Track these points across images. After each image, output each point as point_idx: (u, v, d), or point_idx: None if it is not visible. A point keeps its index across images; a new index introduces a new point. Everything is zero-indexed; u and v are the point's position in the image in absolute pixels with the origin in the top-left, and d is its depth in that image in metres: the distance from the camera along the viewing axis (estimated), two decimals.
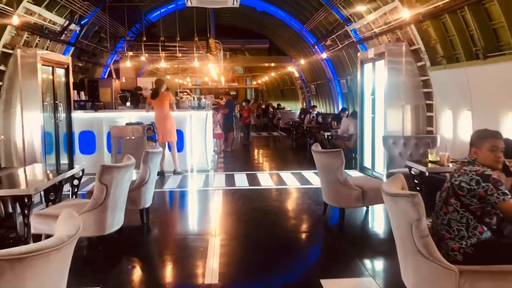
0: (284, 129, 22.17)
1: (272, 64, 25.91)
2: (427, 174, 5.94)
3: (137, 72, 21.69)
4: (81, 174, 6.49)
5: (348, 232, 5.87)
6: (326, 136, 12.15)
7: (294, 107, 28.04)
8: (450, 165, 5.93)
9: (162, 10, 15.37)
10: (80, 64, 12.28)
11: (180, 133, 10.80)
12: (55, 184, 5.64)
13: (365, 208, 6.59)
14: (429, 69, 8.08)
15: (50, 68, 9.05)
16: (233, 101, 15.22)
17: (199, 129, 10.77)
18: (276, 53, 24.48)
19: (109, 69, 15.41)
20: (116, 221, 5.09)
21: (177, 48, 10.48)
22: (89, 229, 4.81)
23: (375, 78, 9.50)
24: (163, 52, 10.74)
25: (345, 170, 6.35)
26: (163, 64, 11.47)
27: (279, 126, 23.14)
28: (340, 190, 5.95)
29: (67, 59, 9.87)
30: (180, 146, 10.78)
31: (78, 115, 10.54)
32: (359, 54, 10.43)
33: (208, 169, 10.68)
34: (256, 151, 15.19)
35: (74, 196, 6.42)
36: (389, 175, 7.43)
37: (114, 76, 14.70)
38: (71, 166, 10.22)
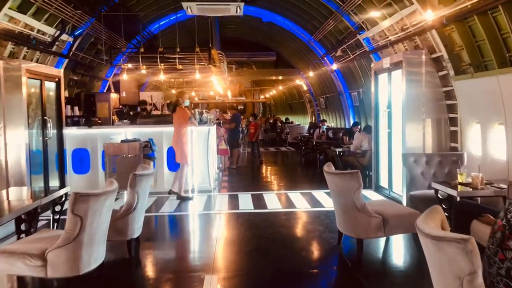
0: (293, 144, 21.45)
1: (280, 77, 25.27)
2: (458, 198, 5.15)
3: (140, 86, 21.15)
4: (63, 199, 5.80)
5: (367, 268, 5.05)
6: (337, 153, 11.37)
7: (302, 121, 27.34)
8: (485, 188, 5.14)
9: (162, 22, 14.82)
10: (76, 78, 11.66)
11: None
12: (30, 211, 4.93)
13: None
14: (453, 79, 7.31)
15: (39, 82, 8.39)
16: (239, 115, 14.51)
17: (201, 145, 10.06)
18: (284, 66, 23.84)
19: (108, 83, 14.80)
20: (94, 257, 4.33)
21: (177, 60, 9.82)
22: (61, 269, 4.05)
23: (391, 90, 8.74)
24: (162, 64, 10.09)
25: None
26: (162, 77, 10.80)
27: (287, 141, 22.42)
28: (357, 217, 5.16)
29: (58, 72, 9.22)
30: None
31: (71, 132, 9.89)
32: (372, 64, 9.69)
33: (211, 189, 9.94)
34: (263, 167, 14.41)
35: (55, 225, 5.71)
36: (411, 198, 6.63)
37: (113, 90, 14.07)
38: (62, 187, 9.61)
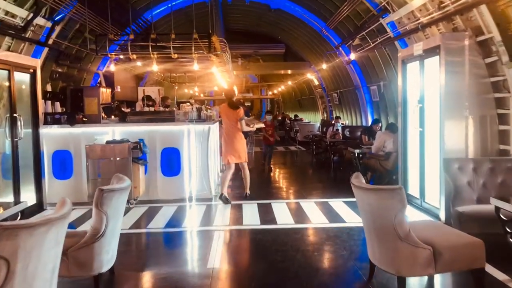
0: (303, 142, 20.18)
1: (289, 71, 23.93)
2: None
3: (139, 81, 19.96)
4: (19, 216, 4.63)
5: None
6: (356, 154, 10.06)
7: (313, 119, 26.06)
8: None
9: (160, 10, 13.63)
10: (60, 70, 10.46)
11: (175, 152, 8.89)
12: None
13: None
14: (507, 66, 6.00)
15: (6, 72, 7.19)
16: (247, 112, 13.21)
17: (200, 146, 8.83)
18: (293, 59, 22.51)
19: (100, 76, 13.62)
20: None
21: (172, 48, 8.57)
22: None
23: (424, 81, 7.43)
24: (154, 53, 8.84)
25: None
26: (155, 67, 9.55)
27: (297, 139, 21.15)
28: (399, 248, 3.89)
29: (33, 61, 8.02)
30: (176, 169, 8.86)
31: (50, 131, 8.71)
32: (399, 52, 8.38)
33: (211, 196, 8.72)
34: (267, 170, 13.09)
35: None
36: (459, 216, 5.34)
37: (104, 84, 12.86)
38: (38, 196, 8.44)
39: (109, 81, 14.22)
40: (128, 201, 8.19)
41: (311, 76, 21.67)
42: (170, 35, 8.75)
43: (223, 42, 9.77)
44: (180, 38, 9.47)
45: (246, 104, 36.43)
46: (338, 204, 8.00)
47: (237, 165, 8.58)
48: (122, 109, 12.48)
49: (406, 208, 3.86)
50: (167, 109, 11.07)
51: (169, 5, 10.54)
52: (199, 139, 8.84)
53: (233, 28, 20.41)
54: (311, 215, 7.32)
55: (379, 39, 10.20)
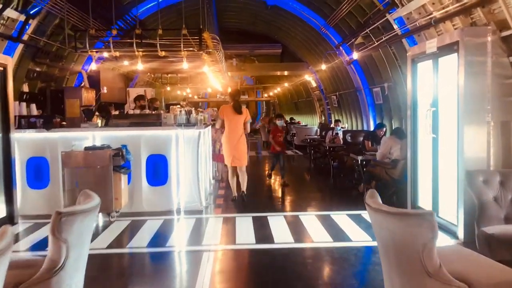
0: (300, 146, 19.48)
1: (285, 73, 23.22)
2: None
3: (128, 81, 19.21)
4: None
5: None
6: (359, 161, 9.37)
7: (310, 122, 25.40)
8: None
9: (150, 5, 12.92)
10: (38, 69, 9.69)
11: (162, 159, 8.16)
12: None
13: None
14: None
15: None
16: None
17: (189, 153, 8.12)
18: (290, 60, 21.81)
19: (85, 76, 12.87)
20: None
21: (158, 45, 7.80)
22: None
23: (438, 82, 6.74)
24: (139, 50, 8.07)
25: None
26: (140, 66, 8.78)
27: (294, 143, 20.46)
28: (427, 287, 3.16)
29: (4, 58, 7.26)
30: (163, 178, 8.13)
31: (24, 136, 8.00)
32: (409, 50, 7.68)
33: (201, 208, 7.99)
34: (264, 177, 12.41)
35: None
36: (487, 239, 4.62)
37: (87, 85, 12.09)
38: (9, 208, 7.68)
39: (95, 81, 13.47)
40: (108, 214, 7.49)
41: (308, 77, 20.99)
42: (157, 31, 8.00)
43: (216, 39, 9.05)
44: (169, 35, 8.73)
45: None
46: (341, 218, 7.28)
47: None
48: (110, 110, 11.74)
49: (437, 237, 3.13)
50: (154, 112, 10.28)
51: (156, 1, 9.80)
52: (188, 145, 8.12)
53: (228, 27, 19.70)
54: (312, 231, 6.59)
55: (384, 37, 9.53)
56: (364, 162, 9.34)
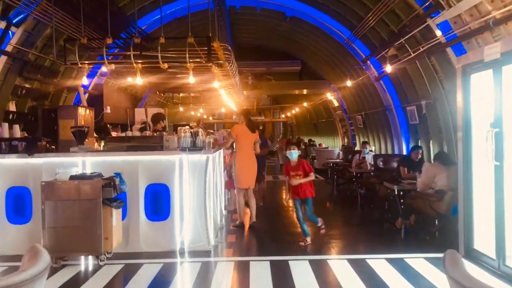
0: (320, 171, 18.17)
1: (304, 91, 22.15)
2: None
3: (136, 101, 18.29)
4: None
5: None
6: (396, 192, 8.04)
7: (331, 144, 24.21)
8: None
9: (158, 17, 11.96)
10: (28, 85, 8.70)
11: (164, 190, 7.02)
12: None
13: None
14: None
15: None
16: (263, 137, 11.31)
17: (195, 182, 6.95)
18: (310, 77, 20.72)
19: (86, 94, 11.90)
20: None
21: (160, 56, 6.72)
22: None
23: (501, 96, 5.50)
24: (138, 62, 6.99)
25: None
26: (139, 81, 7.70)
27: (314, 167, 19.16)
28: None
29: None
30: (165, 211, 6.99)
31: (5, 162, 7.02)
32: (458, 59, 6.45)
33: (209, 248, 6.78)
34: (284, 205, 11.11)
35: None
36: None
37: (85, 103, 11.09)
38: None
39: (97, 100, 12.49)
40: (96, 257, 6.34)
41: (330, 96, 19.83)
42: (158, 40, 6.94)
43: (228, 50, 7.96)
44: (174, 46, 7.67)
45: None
46: (380, 265, 5.99)
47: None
48: (110, 132, 10.74)
49: None
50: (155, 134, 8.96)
51: (164, 13, 8.83)
52: (194, 172, 6.96)
53: (242, 43, 18.76)
54: (346, 283, 5.31)
55: (423, 47, 8.34)
56: (401, 193, 8.03)
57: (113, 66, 7.38)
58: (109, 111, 12.64)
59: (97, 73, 11.41)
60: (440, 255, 6.11)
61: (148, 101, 19.89)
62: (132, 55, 6.95)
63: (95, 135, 9.83)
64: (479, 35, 6.48)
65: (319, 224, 7.44)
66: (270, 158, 14.60)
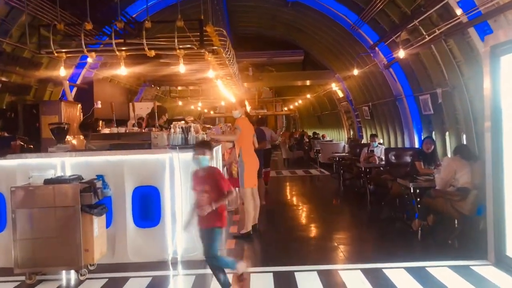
0: (325, 165, 17.46)
1: (308, 82, 21.36)
2: None
3: (132, 96, 17.55)
4: None
5: None
6: (412, 190, 7.28)
7: (336, 137, 23.47)
8: None
9: (150, 4, 11.22)
10: (4, 79, 7.96)
11: (153, 193, 6.30)
12: None
13: None
14: None
15: None
16: (261, 129, 10.50)
17: (188, 184, 6.18)
18: (313, 67, 19.92)
19: (74, 88, 11.16)
20: None
21: (145, 43, 5.93)
22: None
23: None
24: (120, 50, 6.21)
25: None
26: (123, 71, 6.89)
27: (318, 161, 18.49)
28: None
29: None
30: (155, 216, 6.28)
31: None
32: (486, 39, 5.66)
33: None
34: (288, 203, 10.33)
35: None
36: None
37: (71, 98, 10.34)
38: None
39: (87, 95, 11.74)
40: (77, 272, 5.62)
41: (335, 87, 19.03)
42: (143, 23, 6.15)
43: (223, 36, 7.17)
44: (162, 32, 6.89)
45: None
46: (400, 276, 5.26)
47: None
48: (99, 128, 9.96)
49: None
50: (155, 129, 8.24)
51: None
52: (187, 173, 6.21)
53: (242, 32, 18.00)
54: None
55: (438, 29, 7.54)
56: (418, 191, 7.27)
57: (93, 55, 6.61)
58: (100, 106, 11.87)
59: (85, 65, 10.62)
60: (467, 262, 5.32)
61: (145, 95, 19.16)
62: (113, 43, 6.18)
63: (82, 131, 9.09)
64: (509, 10, 5.68)
65: (238, 272, 4.77)
66: (273, 153, 14.04)
